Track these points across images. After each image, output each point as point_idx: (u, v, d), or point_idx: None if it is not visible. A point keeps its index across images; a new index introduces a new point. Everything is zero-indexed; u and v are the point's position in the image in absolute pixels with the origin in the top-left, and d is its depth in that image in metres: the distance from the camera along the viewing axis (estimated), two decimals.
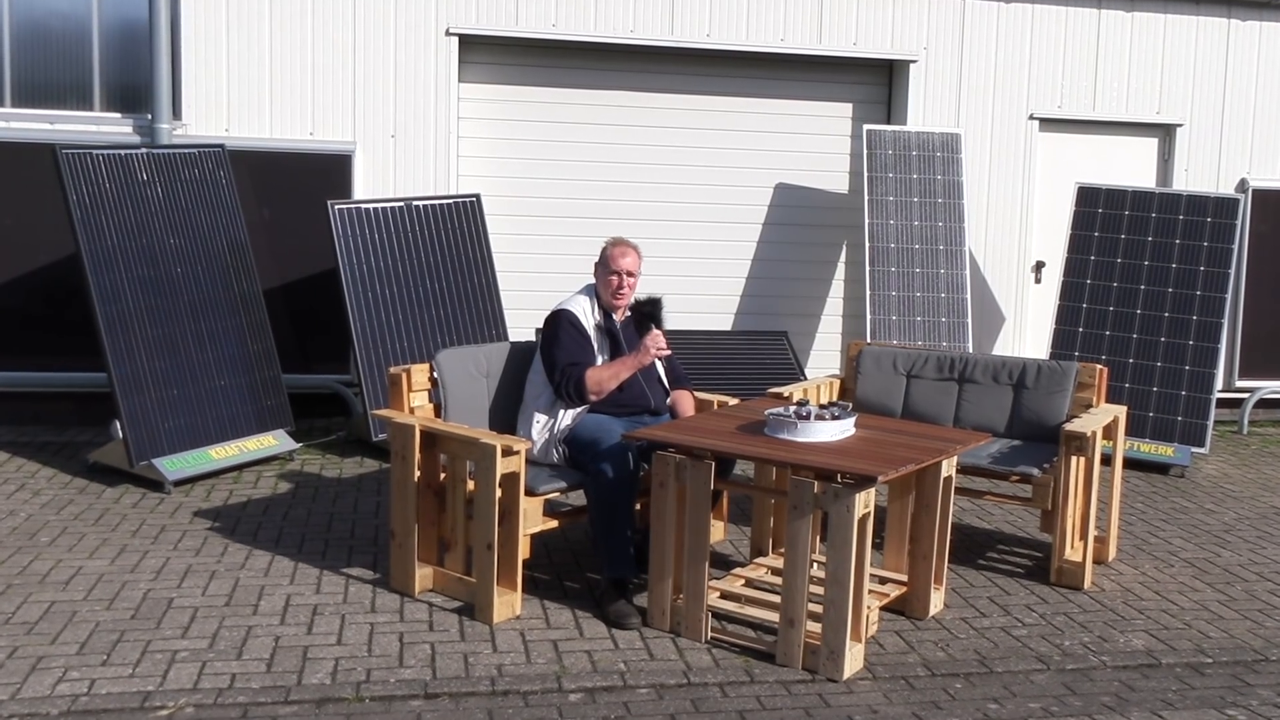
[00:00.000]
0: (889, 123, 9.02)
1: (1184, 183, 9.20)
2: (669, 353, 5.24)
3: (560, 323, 5.15)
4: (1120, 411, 5.72)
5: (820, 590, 4.66)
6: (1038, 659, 4.60)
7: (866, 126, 8.55)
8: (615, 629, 4.71)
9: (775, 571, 5.09)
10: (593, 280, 5.32)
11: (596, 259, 5.30)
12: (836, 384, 6.21)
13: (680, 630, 4.64)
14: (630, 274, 5.21)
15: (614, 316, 5.27)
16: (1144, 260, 8.07)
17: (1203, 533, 6.34)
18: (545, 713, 4.01)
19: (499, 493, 4.64)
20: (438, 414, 5.19)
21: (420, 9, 8.08)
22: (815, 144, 9.02)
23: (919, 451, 4.63)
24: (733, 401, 5.54)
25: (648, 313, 5.27)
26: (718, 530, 5.72)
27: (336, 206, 7.20)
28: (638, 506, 5.06)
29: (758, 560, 5.30)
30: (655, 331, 5.18)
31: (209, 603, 4.85)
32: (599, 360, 5.16)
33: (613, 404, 5.13)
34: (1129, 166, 9.25)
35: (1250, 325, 9.15)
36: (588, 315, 5.20)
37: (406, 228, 7.47)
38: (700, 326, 8.77)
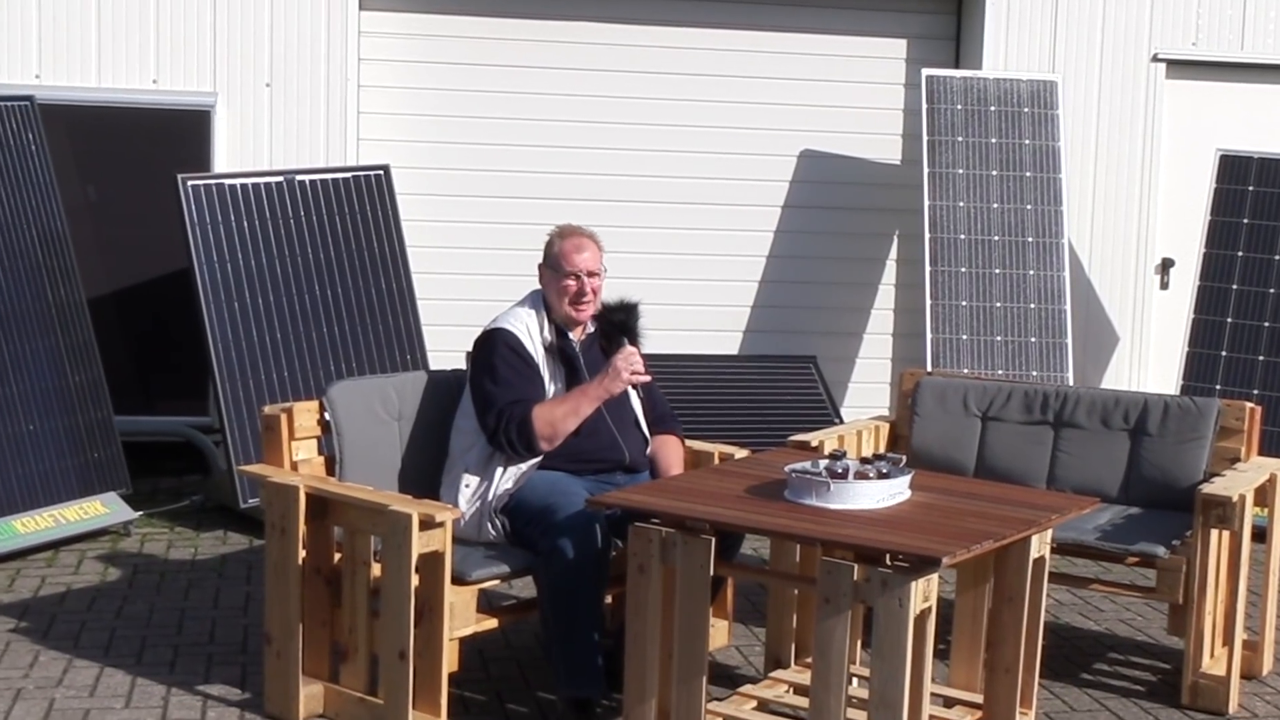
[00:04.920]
0: (958, 67, 9.10)
1: None
2: (648, 378, 5.26)
3: (495, 347, 5.16)
4: (1278, 467, 5.77)
5: (862, 715, 4.67)
6: None
7: (926, 72, 8.62)
8: None
9: (800, 690, 5.11)
10: (539, 287, 5.36)
11: (541, 257, 5.33)
12: (885, 429, 6.24)
13: None
14: (593, 273, 5.24)
15: (570, 335, 5.30)
16: None
17: None
18: None
19: (416, 580, 4.65)
20: (330, 471, 5.21)
21: None
22: (856, 96, 9.09)
23: (999, 523, 4.66)
24: (741, 453, 5.57)
25: (619, 322, 5.28)
26: (720, 633, 5.74)
27: (190, 183, 7.22)
28: (608, 599, 5.07)
29: (775, 674, 5.32)
30: (629, 348, 5.19)
31: None
32: (551, 394, 5.18)
33: (572, 457, 5.15)
34: None
35: None
36: (533, 334, 5.23)
37: (287, 212, 7.49)
38: (696, 349, 8.80)
